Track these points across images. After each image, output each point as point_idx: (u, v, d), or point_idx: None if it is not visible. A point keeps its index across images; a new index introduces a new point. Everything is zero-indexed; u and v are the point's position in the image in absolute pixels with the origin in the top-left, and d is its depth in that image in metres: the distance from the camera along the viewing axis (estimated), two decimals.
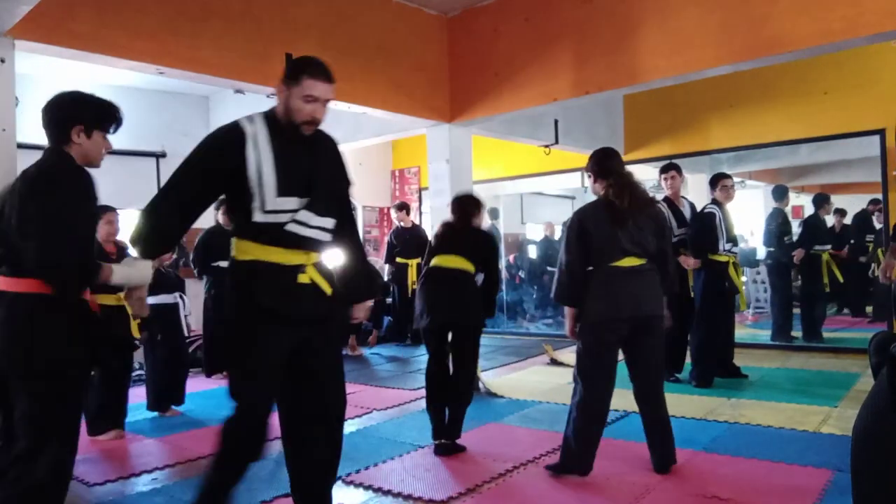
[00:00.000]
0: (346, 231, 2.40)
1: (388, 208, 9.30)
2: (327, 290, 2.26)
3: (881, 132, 5.83)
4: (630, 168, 3.24)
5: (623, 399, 4.63)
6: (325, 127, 2.28)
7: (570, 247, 3.11)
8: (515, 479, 3.19)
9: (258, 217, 2.12)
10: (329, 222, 2.27)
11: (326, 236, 2.28)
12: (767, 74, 6.01)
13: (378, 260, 8.95)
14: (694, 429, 3.90)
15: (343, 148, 2.39)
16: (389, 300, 8.49)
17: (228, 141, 2.13)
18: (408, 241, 7.71)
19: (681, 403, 4.51)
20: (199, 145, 2.18)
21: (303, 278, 2.18)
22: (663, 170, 5.28)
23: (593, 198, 3.25)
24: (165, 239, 2.26)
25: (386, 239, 8.67)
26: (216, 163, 2.15)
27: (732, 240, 5.06)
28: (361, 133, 5.75)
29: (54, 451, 2.08)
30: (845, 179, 7.46)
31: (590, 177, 3.24)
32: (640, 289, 3.05)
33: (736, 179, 7.84)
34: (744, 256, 7.05)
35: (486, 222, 3.99)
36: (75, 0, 3.29)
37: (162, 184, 2.20)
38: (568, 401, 3.21)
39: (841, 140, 6.23)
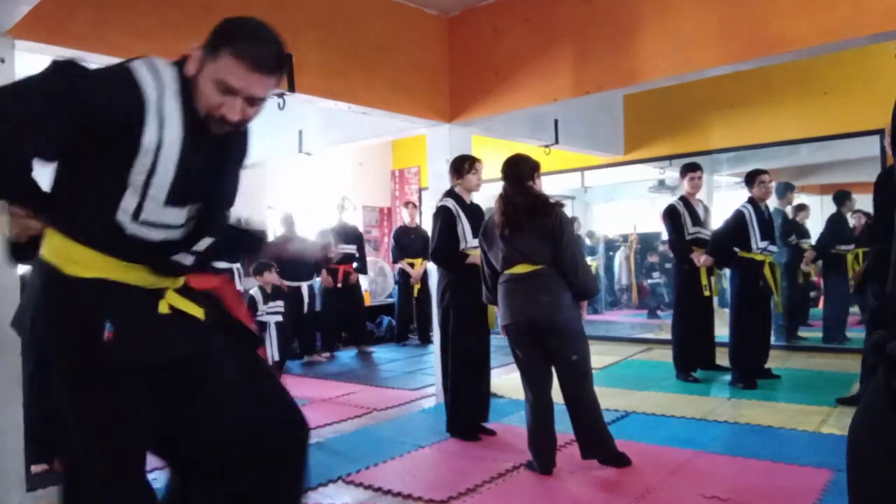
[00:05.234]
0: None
1: (388, 208, 9.30)
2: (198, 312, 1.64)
3: (881, 132, 5.82)
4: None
5: (624, 399, 4.65)
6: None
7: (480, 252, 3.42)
8: (515, 479, 3.19)
9: (123, 222, 1.46)
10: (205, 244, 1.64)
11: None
12: (767, 74, 6.00)
13: (378, 259, 8.94)
14: (694, 429, 3.91)
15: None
16: (392, 300, 8.49)
17: (123, 94, 1.41)
18: (412, 240, 7.73)
19: (681, 403, 4.51)
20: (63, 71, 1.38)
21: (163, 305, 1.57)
22: (690, 168, 5.32)
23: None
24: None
25: (388, 239, 8.67)
26: (100, 107, 1.38)
27: (770, 238, 4.96)
28: (361, 133, 5.74)
29: None
30: (845, 179, 7.43)
31: None
32: (535, 293, 3.13)
33: (735, 179, 7.87)
34: None
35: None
36: (75, 0, 3.29)
37: None
38: None
39: (841, 140, 6.22)
